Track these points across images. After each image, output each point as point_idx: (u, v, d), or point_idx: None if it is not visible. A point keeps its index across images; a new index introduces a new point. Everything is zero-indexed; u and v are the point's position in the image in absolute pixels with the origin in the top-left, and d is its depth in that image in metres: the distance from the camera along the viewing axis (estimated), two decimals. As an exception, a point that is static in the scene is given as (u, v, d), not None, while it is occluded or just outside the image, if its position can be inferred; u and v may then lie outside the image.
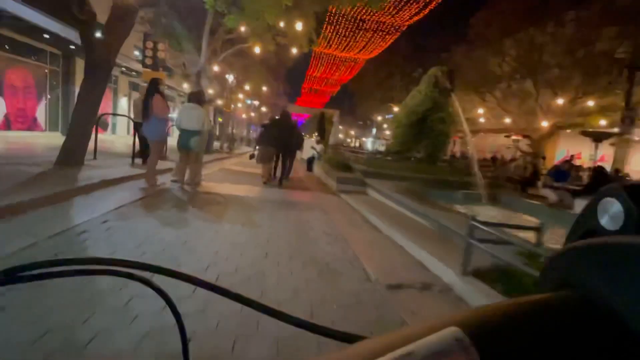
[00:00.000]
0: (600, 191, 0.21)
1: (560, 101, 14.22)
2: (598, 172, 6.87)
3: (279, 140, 7.28)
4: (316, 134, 14.73)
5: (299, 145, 8.50)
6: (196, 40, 12.20)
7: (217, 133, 26.97)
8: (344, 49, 21.34)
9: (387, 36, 18.70)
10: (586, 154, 20.88)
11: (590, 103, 13.57)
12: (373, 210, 5.21)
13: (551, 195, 7.64)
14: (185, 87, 17.86)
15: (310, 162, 12.80)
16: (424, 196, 5.94)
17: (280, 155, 7.73)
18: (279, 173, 7.82)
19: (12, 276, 0.30)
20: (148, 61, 8.93)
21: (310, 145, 13.84)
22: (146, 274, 0.34)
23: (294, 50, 14.82)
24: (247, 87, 18.28)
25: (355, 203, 5.97)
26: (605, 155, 18.19)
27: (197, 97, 5.46)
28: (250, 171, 9.87)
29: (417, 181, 7.61)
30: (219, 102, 21.74)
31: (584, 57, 12.65)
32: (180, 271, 0.32)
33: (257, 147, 7.69)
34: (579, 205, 6.73)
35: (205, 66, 12.33)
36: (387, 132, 35.10)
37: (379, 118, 32.09)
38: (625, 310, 0.17)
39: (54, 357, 1.45)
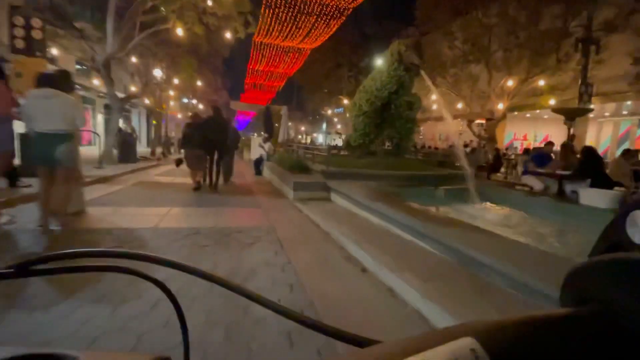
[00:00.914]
0: (630, 203, 0.20)
1: (510, 83, 13.95)
2: (588, 153, 6.00)
3: (209, 141, 6.36)
4: (263, 132, 12.85)
5: (236, 144, 7.60)
6: (101, 23, 9.64)
7: (152, 137, 23.74)
8: (286, 36, 19.54)
9: (331, 21, 17.33)
10: (531, 136, 21.60)
11: (542, 82, 13.40)
12: (350, 230, 3.62)
13: (536, 183, 6.70)
14: (96, 82, 14.85)
15: (258, 164, 10.93)
16: (401, 199, 4.53)
17: (215, 157, 6.77)
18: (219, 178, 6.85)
19: (24, 270, 0.31)
20: (18, 44, 6.42)
21: (257, 144, 11.93)
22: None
23: (228, 35, 12.74)
24: (176, 81, 15.69)
25: (322, 219, 4.34)
26: (548, 135, 18.74)
27: (55, 80, 3.39)
28: (181, 181, 7.78)
29: (387, 179, 6.23)
30: (147, 101, 18.78)
31: (528, 37, 12.37)
32: (203, 270, 0.32)
33: (181, 151, 6.77)
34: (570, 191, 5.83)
35: (115, 55, 9.81)
36: (339, 126, 34.06)
37: (329, 112, 30.84)
38: None
39: None
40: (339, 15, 17.08)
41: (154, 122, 23.89)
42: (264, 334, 1.75)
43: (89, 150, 8.89)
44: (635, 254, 0.18)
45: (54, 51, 11.75)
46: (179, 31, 10.04)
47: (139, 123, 28.54)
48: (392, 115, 7.47)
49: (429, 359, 0.14)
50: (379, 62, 23.25)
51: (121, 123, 11.47)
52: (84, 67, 15.60)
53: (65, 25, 9.22)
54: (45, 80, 3.33)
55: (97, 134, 9.74)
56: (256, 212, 4.94)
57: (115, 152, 11.32)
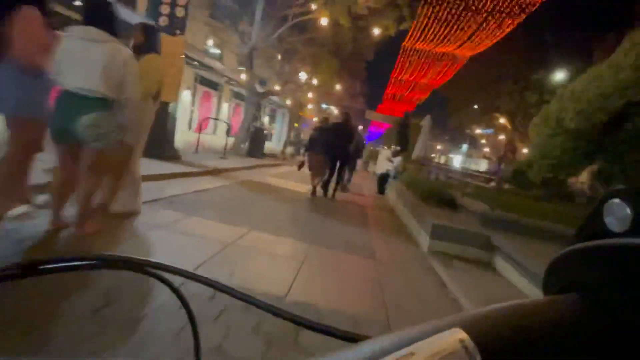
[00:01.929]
0: (607, 193, 0.21)
1: None
2: None
3: (332, 147, 6.09)
4: (395, 145, 10.90)
5: (359, 153, 7.50)
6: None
7: (292, 139, 24.78)
8: (442, 40, 17.02)
9: (506, 20, 13.90)
10: None
11: None
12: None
13: None
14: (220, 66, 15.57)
15: (383, 180, 9.05)
16: None
17: (337, 164, 6.43)
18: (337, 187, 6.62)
19: (31, 270, 0.30)
20: (163, 21, 6.35)
21: (385, 157, 10.06)
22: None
23: (377, 32, 11.31)
24: (315, 82, 15.28)
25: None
26: None
27: (109, 17, 2.27)
28: (292, 187, 6.61)
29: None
30: (288, 101, 19.33)
31: None
32: (214, 280, 0.32)
33: (305, 154, 6.44)
34: None
35: (259, 45, 9.61)
36: (486, 149, 28.94)
37: (478, 131, 26.34)
38: (631, 314, 0.17)
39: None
40: (518, 12, 13.55)
41: (296, 124, 24.90)
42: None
43: (209, 138, 8.74)
44: (612, 241, 0.18)
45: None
46: (324, 21, 9.05)
47: (281, 123, 30.78)
48: (621, 141, 4.41)
49: (418, 351, 0.15)
50: (561, 75, 18.10)
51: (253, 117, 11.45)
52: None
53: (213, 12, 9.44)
54: (94, 15, 2.24)
55: (227, 123, 9.65)
56: (365, 268, 3.03)
57: (244, 145, 11.39)
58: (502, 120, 21.38)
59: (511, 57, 19.74)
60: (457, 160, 43.71)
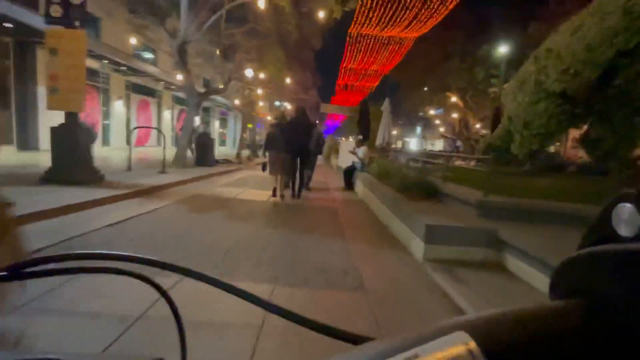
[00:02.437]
0: (616, 197, 0.20)
1: None
2: None
3: (292, 143, 5.83)
4: (357, 134, 10.19)
5: (320, 149, 7.14)
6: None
7: (247, 141, 23.35)
8: (387, 24, 16.62)
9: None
10: None
11: None
12: None
13: None
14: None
15: (349, 174, 8.27)
16: None
17: (298, 161, 6.24)
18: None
19: (18, 272, 0.30)
20: (55, 11, 4.96)
21: (348, 150, 9.29)
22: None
23: (321, 15, 10.45)
24: (262, 76, 14.12)
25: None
26: None
27: None
28: (248, 196, 5.60)
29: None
30: (236, 101, 17.95)
31: None
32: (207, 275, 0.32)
33: (265, 154, 6.05)
34: None
35: (190, 38, 8.32)
36: (442, 129, 29.45)
37: (432, 112, 26.63)
38: None
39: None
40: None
41: (249, 125, 23.49)
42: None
43: (153, 151, 7.44)
44: (622, 246, 0.18)
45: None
46: (261, 3, 8.00)
47: (234, 126, 29.08)
48: (610, 98, 3.92)
49: (423, 354, 0.14)
50: (503, 49, 18.51)
51: (197, 122, 10.13)
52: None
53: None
54: None
55: (162, 132, 8.30)
56: (354, 311, 2.12)
57: (191, 154, 10.07)
58: (454, 99, 21.64)
59: (456, 34, 19.93)
60: (413, 143, 44.56)
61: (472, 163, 5.88)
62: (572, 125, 4.31)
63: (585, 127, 4.44)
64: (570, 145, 4.67)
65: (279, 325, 1.72)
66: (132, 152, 7.39)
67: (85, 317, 1.73)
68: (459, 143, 25.78)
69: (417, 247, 3.09)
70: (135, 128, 7.50)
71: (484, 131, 21.33)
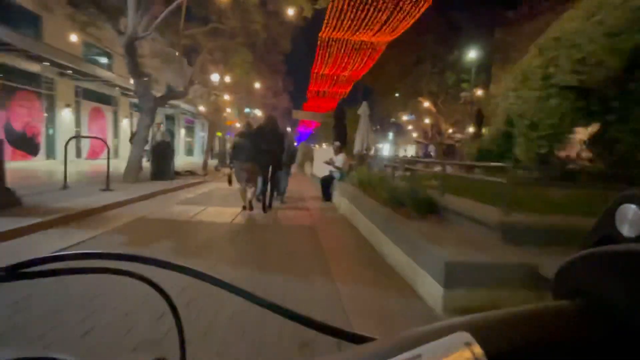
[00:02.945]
0: (619, 197, 0.20)
1: None
2: None
3: (260, 153, 5.46)
4: (334, 140, 9.42)
5: (293, 158, 6.96)
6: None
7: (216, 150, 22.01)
8: (359, 27, 16.15)
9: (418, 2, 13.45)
10: None
11: None
12: None
13: None
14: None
15: (327, 184, 7.46)
16: None
17: (269, 173, 5.75)
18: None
19: (16, 273, 0.30)
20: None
21: (323, 158, 8.49)
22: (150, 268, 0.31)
23: (290, 14, 9.69)
24: (227, 79, 13.09)
25: None
26: None
27: None
28: (207, 218, 4.62)
29: None
30: (202, 108, 16.72)
31: None
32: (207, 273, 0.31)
33: (231, 165, 5.64)
34: None
35: (140, 35, 7.24)
36: (415, 134, 29.45)
37: (404, 118, 26.53)
38: None
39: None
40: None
41: (219, 134, 22.16)
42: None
43: (111, 164, 6.28)
44: (623, 246, 0.18)
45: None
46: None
47: (201, 135, 27.54)
48: (630, 94, 3.37)
49: (424, 354, 0.14)
50: (473, 54, 18.59)
51: (154, 130, 8.94)
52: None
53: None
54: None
55: (105, 142, 7.10)
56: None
57: (147, 165, 8.87)
58: (426, 104, 21.57)
59: (427, 39, 19.88)
60: (385, 149, 44.71)
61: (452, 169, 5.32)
62: (587, 125, 3.75)
63: (589, 128, 3.90)
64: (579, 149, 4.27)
65: (280, 325, 1.18)
66: (80, 166, 6.20)
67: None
68: (430, 148, 25.87)
69: (430, 289, 2.29)
70: (71, 138, 6.27)
71: (459, 135, 21.36)
